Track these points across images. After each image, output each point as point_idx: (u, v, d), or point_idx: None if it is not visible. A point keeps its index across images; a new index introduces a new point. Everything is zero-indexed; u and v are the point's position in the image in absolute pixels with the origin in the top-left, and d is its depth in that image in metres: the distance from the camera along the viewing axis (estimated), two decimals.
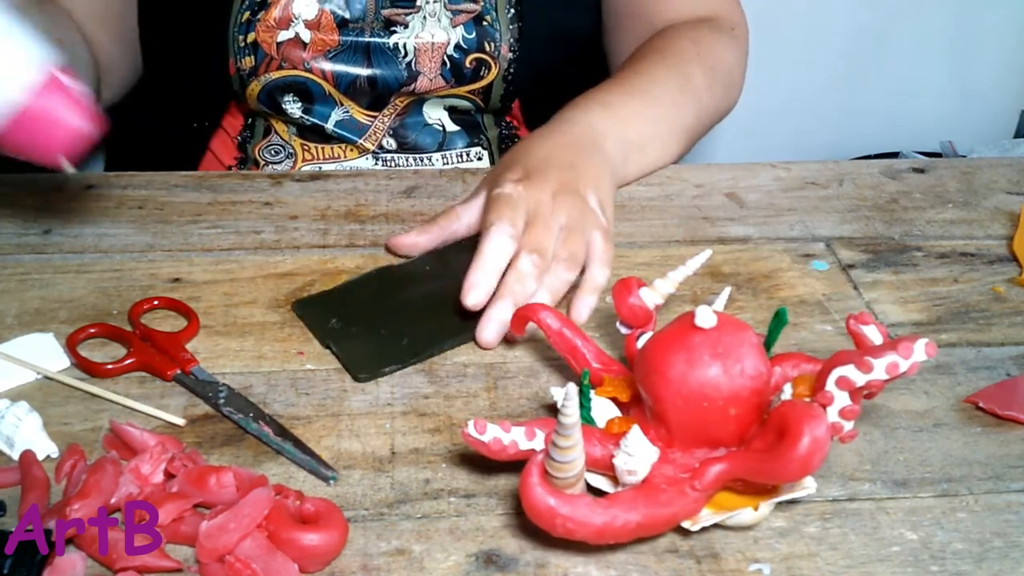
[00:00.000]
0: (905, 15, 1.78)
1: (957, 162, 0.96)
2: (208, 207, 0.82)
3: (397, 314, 0.70)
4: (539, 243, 0.69)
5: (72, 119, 0.64)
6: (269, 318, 0.70)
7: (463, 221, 0.76)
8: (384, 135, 0.96)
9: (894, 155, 1.79)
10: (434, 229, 0.76)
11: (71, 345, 0.65)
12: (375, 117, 0.96)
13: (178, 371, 0.64)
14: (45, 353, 0.65)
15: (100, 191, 0.83)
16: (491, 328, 0.67)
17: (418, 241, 0.76)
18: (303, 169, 0.97)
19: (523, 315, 0.65)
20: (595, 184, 0.75)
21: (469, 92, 0.95)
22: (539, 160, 0.75)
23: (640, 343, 0.58)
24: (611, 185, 0.78)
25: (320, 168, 0.96)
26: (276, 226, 0.80)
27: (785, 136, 1.84)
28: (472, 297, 0.67)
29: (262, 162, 0.97)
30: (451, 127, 0.98)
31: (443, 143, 0.99)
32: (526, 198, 0.71)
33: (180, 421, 0.60)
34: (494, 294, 0.67)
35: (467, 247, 0.77)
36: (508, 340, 0.69)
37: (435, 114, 0.97)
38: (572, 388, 0.49)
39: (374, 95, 0.94)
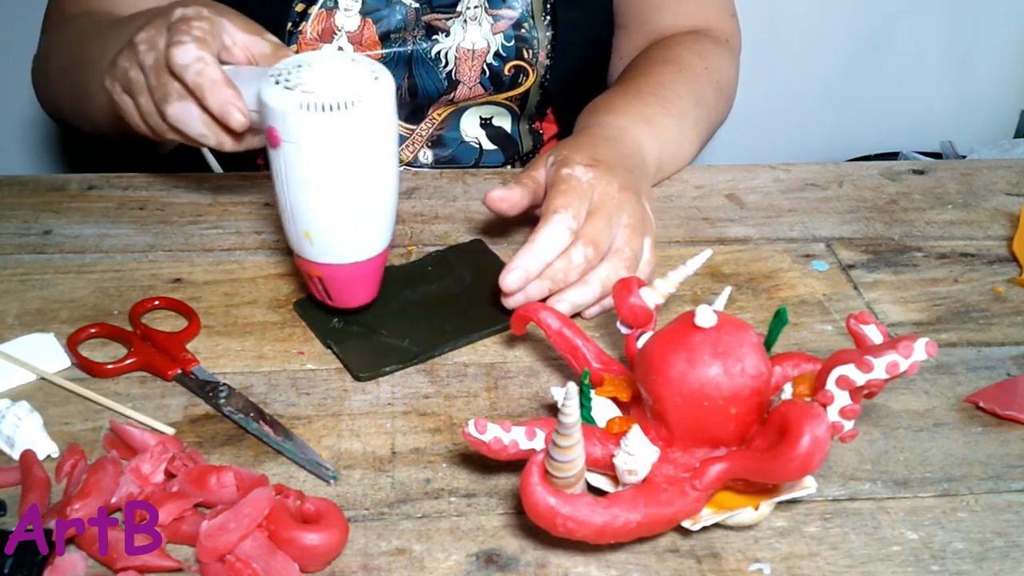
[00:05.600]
0: (905, 15, 1.78)
1: (957, 163, 0.96)
2: (209, 207, 0.82)
3: (398, 314, 0.70)
4: (597, 237, 0.68)
5: None
6: (270, 318, 0.70)
7: (540, 188, 0.73)
8: (422, 147, 0.96)
9: (894, 155, 1.79)
10: (525, 190, 0.73)
11: (72, 345, 0.66)
12: (413, 129, 0.96)
13: (179, 371, 0.64)
14: (46, 353, 0.65)
15: (101, 191, 0.83)
16: (518, 297, 0.67)
17: (511, 196, 0.72)
18: None
19: (523, 315, 0.65)
20: (647, 193, 0.76)
21: (506, 99, 0.95)
22: (605, 153, 0.74)
23: (640, 343, 0.58)
24: (653, 198, 0.78)
25: None
26: (277, 226, 0.80)
27: (785, 137, 1.84)
28: (512, 278, 0.66)
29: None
30: (488, 145, 0.99)
31: (479, 160, 0.99)
32: (594, 187, 0.70)
33: (170, 431, 0.60)
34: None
35: (468, 248, 0.77)
36: (508, 340, 0.69)
37: (472, 131, 0.98)
38: (572, 388, 0.49)
39: (413, 105, 0.95)
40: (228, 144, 0.69)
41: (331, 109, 0.59)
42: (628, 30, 0.99)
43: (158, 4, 0.80)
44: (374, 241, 0.66)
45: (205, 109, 0.67)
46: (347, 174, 0.62)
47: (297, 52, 0.89)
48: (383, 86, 0.61)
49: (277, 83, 0.61)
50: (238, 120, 0.66)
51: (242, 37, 0.70)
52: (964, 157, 1.77)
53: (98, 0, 0.89)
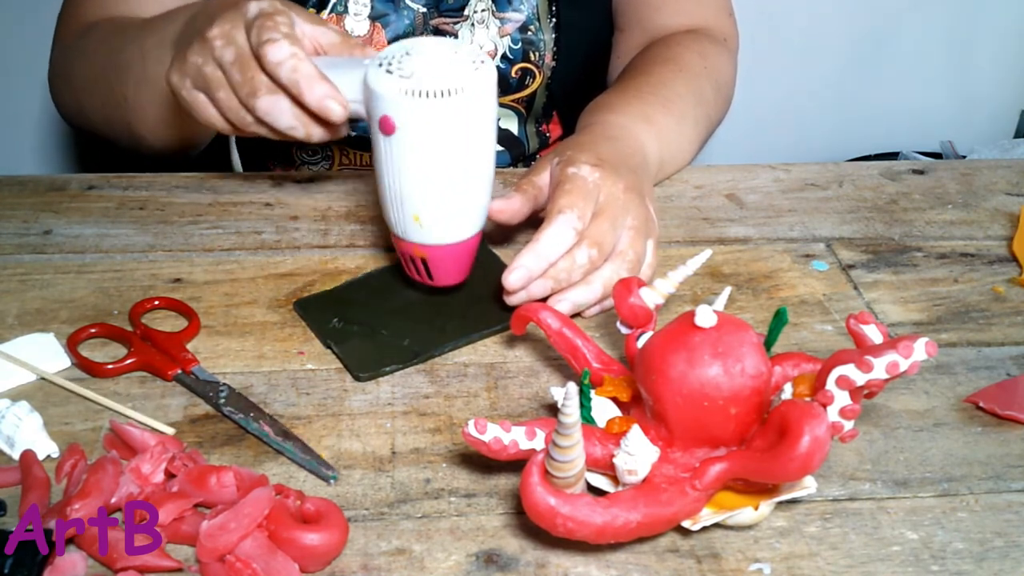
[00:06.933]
0: (905, 16, 1.78)
1: (957, 163, 0.96)
2: (209, 208, 0.82)
3: (398, 314, 0.70)
4: (602, 238, 0.68)
5: None
6: (270, 318, 0.70)
7: (542, 192, 0.74)
8: None
9: (894, 155, 1.79)
10: (525, 197, 0.73)
11: (72, 345, 0.66)
12: None
13: (179, 371, 0.64)
14: (46, 353, 0.65)
15: (101, 191, 0.83)
16: (520, 296, 0.68)
17: (511, 206, 0.72)
18: (303, 170, 0.98)
19: (523, 315, 0.65)
20: (650, 194, 0.76)
21: (513, 101, 0.95)
22: (608, 153, 0.74)
23: (640, 343, 0.58)
24: (654, 198, 0.78)
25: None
26: (277, 226, 0.80)
27: (785, 137, 1.84)
28: (515, 276, 0.67)
29: (298, 161, 0.99)
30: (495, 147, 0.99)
31: None
32: (600, 187, 0.70)
33: (170, 431, 0.60)
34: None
35: None
36: (509, 340, 0.69)
37: None
38: (572, 388, 0.49)
39: None
40: (317, 135, 0.70)
41: (445, 95, 0.61)
42: (627, 30, 0.99)
43: (182, 2, 0.80)
44: (476, 220, 0.68)
45: (296, 102, 0.68)
46: (457, 157, 0.64)
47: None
48: (488, 71, 0.64)
49: (389, 72, 0.62)
50: (337, 112, 0.66)
51: (309, 28, 0.71)
52: (964, 157, 1.77)
53: (116, 5, 0.88)
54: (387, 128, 0.63)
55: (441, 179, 0.64)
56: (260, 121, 0.70)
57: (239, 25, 0.69)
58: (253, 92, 0.68)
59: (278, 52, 0.66)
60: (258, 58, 0.67)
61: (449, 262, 0.68)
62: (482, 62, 0.63)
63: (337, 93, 0.66)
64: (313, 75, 0.66)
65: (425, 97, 0.61)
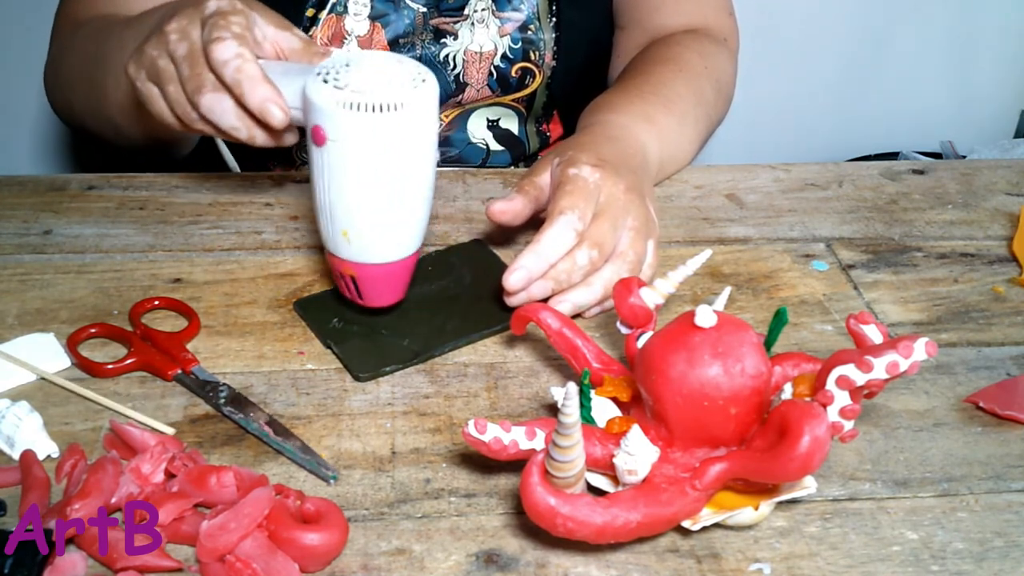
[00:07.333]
0: (905, 16, 1.78)
1: (957, 163, 0.96)
2: (209, 207, 0.82)
3: (398, 314, 0.70)
4: (603, 239, 0.68)
5: None
6: (270, 318, 0.70)
7: (543, 193, 0.73)
8: None
9: (894, 155, 1.79)
10: (526, 198, 0.73)
11: (72, 345, 0.66)
12: None
13: (179, 371, 0.64)
14: (46, 353, 0.65)
15: (101, 191, 0.83)
16: (520, 296, 0.67)
17: (513, 207, 0.72)
18: (303, 170, 0.98)
19: (523, 315, 0.65)
20: (650, 194, 0.76)
21: (513, 101, 0.96)
22: (609, 153, 0.74)
23: (640, 343, 0.58)
24: (654, 199, 0.79)
25: None
26: (277, 226, 0.80)
27: (785, 137, 1.84)
28: (515, 277, 0.66)
29: (298, 161, 0.99)
30: (495, 147, 0.99)
31: (485, 161, 0.99)
32: (600, 188, 0.70)
33: (170, 431, 0.60)
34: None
35: (468, 248, 0.77)
36: (509, 340, 0.69)
37: (479, 133, 0.98)
38: (572, 387, 0.49)
39: None
40: (260, 138, 0.69)
41: (380, 110, 0.60)
42: (628, 29, 0.99)
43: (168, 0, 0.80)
44: (409, 242, 0.66)
45: (239, 103, 0.67)
46: (390, 174, 0.62)
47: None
48: (429, 88, 0.62)
49: (326, 81, 0.61)
50: (278, 117, 0.66)
51: (272, 31, 0.70)
52: (964, 157, 1.77)
53: (109, 3, 0.89)
54: (318, 139, 0.61)
55: (371, 195, 0.62)
56: (204, 119, 0.70)
57: (195, 21, 0.69)
58: (198, 88, 0.68)
59: (224, 51, 0.66)
60: (205, 55, 0.67)
61: (380, 282, 0.67)
62: (423, 80, 0.62)
63: (279, 98, 0.65)
64: (256, 77, 0.65)
65: (357, 110, 0.60)
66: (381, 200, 0.63)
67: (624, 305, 0.60)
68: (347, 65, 0.62)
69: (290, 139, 0.70)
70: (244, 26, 0.68)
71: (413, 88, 0.61)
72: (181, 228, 0.79)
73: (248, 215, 0.81)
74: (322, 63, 0.63)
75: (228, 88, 0.67)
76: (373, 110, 0.59)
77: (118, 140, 0.89)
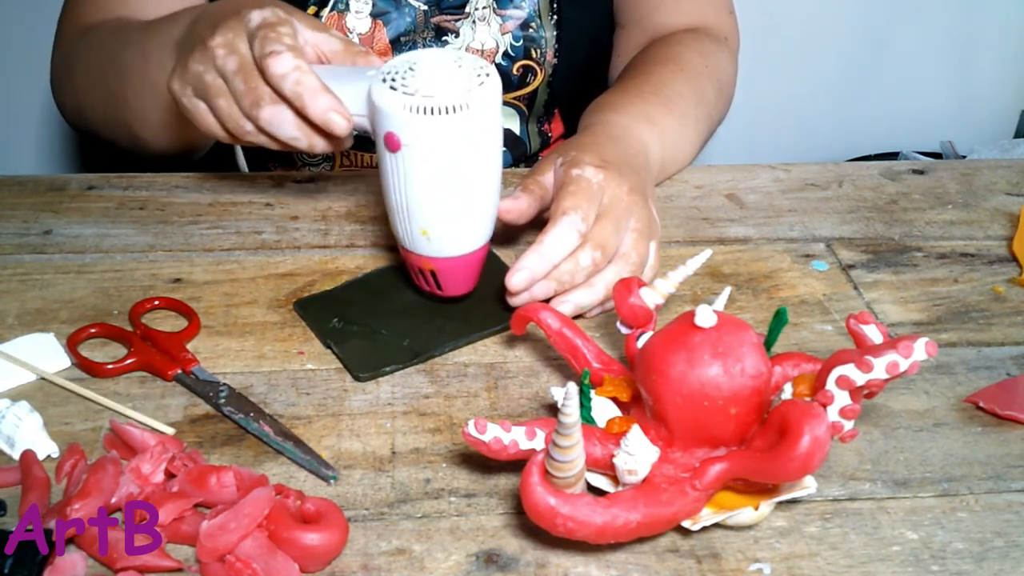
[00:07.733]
0: (905, 16, 1.78)
1: (957, 163, 0.96)
2: (209, 208, 0.82)
3: (398, 314, 0.70)
4: (606, 240, 0.68)
5: None
6: (270, 318, 0.70)
7: (548, 192, 0.73)
8: None
9: (894, 155, 1.79)
10: (532, 197, 0.73)
11: (72, 345, 0.66)
12: None
13: (179, 371, 0.64)
14: (46, 353, 0.65)
15: (101, 191, 0.83)
16: (523, 297, 0.68)
17: (518, 206, 0.72)
18: (303, 170, 0.98)
19: (523, 315, 0.65)
20: (652, 195, 0.76)
21: (514, 99, 0.96)
22: (612, 154, 0.74)
23: (640, 343, 0.58)
24: (656, 199, 0.78)
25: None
26: (277, 226, 0.80)
27: (785, 137, 1.84)
28: (518, 278, 0.67)
29: (299, 162, 0.99)
30: None
31: None
32: (604, 189, 0.70)
33: (170, 431, 0.60)
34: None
35: None
36: (509, 340, 0.69)
37: None
38: (572, 387, 0.49)
39: None
40: (320, 146, 0.69)
41: (452, 111, 0.61)
42: (628, 28, 0.99)
43: (184, 5, 0.80)
44: (484, 232, 0.68)
45: (299, 114, 0.67)
46: (466, 171, 0.64)
47: None
48: (493, 82, 0.63)
49: (393, 88, 0.62)
50: (341, 126, 0.66)
51: (311, 35, 0.70)
52: (964, 157, 1.77)
53: (118, 6, 0.88)
54: (393, 145, 0.62)
55: (448, 194, 0.64)
56: (262, 131, 0.70)
57: (241, 34, 0.68)
58: (256, 103, 0.67)
59: (282, 64, 0.65)
60: (261, 70, 0.67)
61: (458, 273, 0.69)
62: (487, 74, 0.63)
63: (341, 106, 0.66)
64: (316, 88, 0.65)
65: (430, 114, 0.61)
66: (457, 198, 0.65)
67: (624, 305, 0.60)
68: (411, 69, 0.63)
69: (348, 143, 0.71)
70: (293, 35, 0.68)
71: (479, 84, 0.62)
72: (181, 228, 0.79)
73: (248, 215, 0.81)
74: (385, 66, 0.64)
75: (287, 100, 0.67)
76: (445, 112, 0.61)
77: (134, 146, 0.88)
